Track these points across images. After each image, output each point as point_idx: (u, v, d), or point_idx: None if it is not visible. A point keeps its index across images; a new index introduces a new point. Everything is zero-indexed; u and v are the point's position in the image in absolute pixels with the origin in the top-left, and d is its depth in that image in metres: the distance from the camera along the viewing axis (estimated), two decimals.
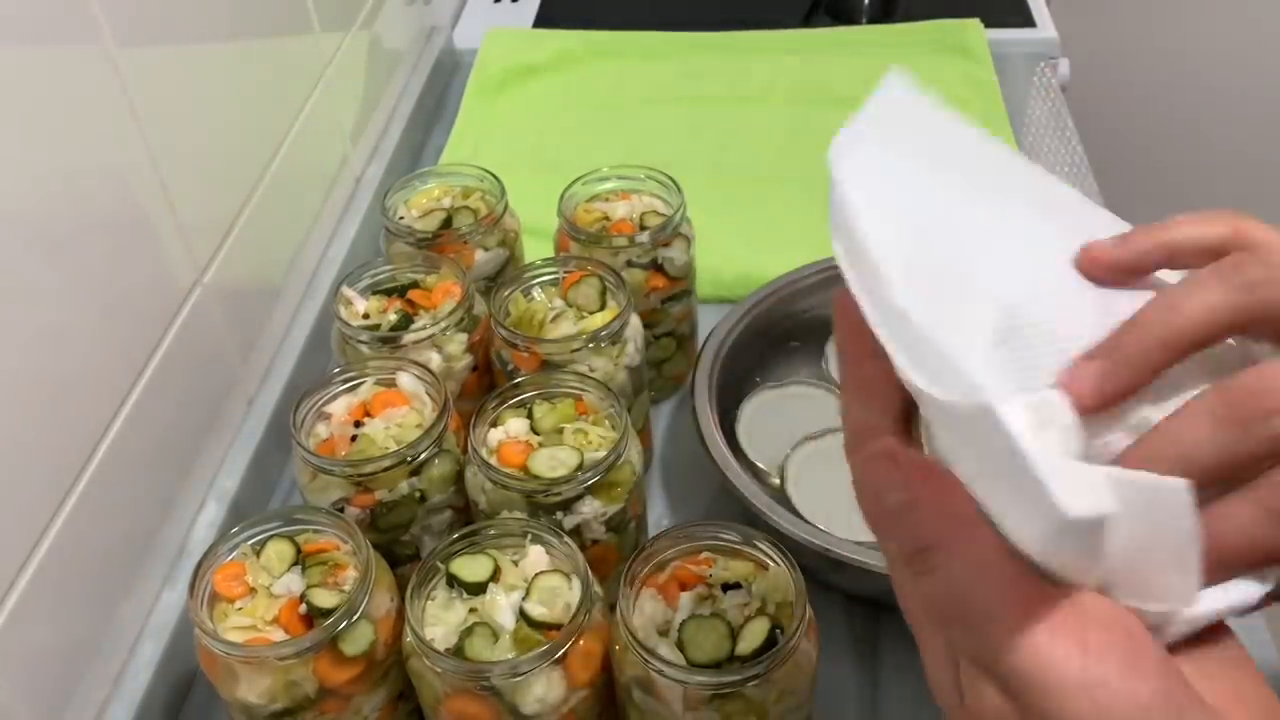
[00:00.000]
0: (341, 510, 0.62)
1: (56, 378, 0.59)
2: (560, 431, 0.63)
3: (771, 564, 0.55)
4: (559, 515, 0.60)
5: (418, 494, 0.63)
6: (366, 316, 0.72)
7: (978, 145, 0.37)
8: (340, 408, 0.65)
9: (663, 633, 0.54)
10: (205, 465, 0.75)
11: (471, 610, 0.55)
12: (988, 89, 1.16)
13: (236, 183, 0.80)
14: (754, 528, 0.57)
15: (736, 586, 0.55)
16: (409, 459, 0.61)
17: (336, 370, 0.66)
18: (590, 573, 0.55)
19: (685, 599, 0.55)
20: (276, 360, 0.85)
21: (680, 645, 0.53)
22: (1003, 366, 0.31)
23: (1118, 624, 0.28)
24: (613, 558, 0.64)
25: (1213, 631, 0.30)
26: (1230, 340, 0.33)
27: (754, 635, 0.52)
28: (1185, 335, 0.31)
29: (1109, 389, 0.31)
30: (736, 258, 0.95)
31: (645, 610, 0.54)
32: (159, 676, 0.66)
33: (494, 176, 0.83)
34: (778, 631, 0.52)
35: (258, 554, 0.58)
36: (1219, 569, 0.29)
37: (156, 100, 0.68)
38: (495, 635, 0.54)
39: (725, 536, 0.56)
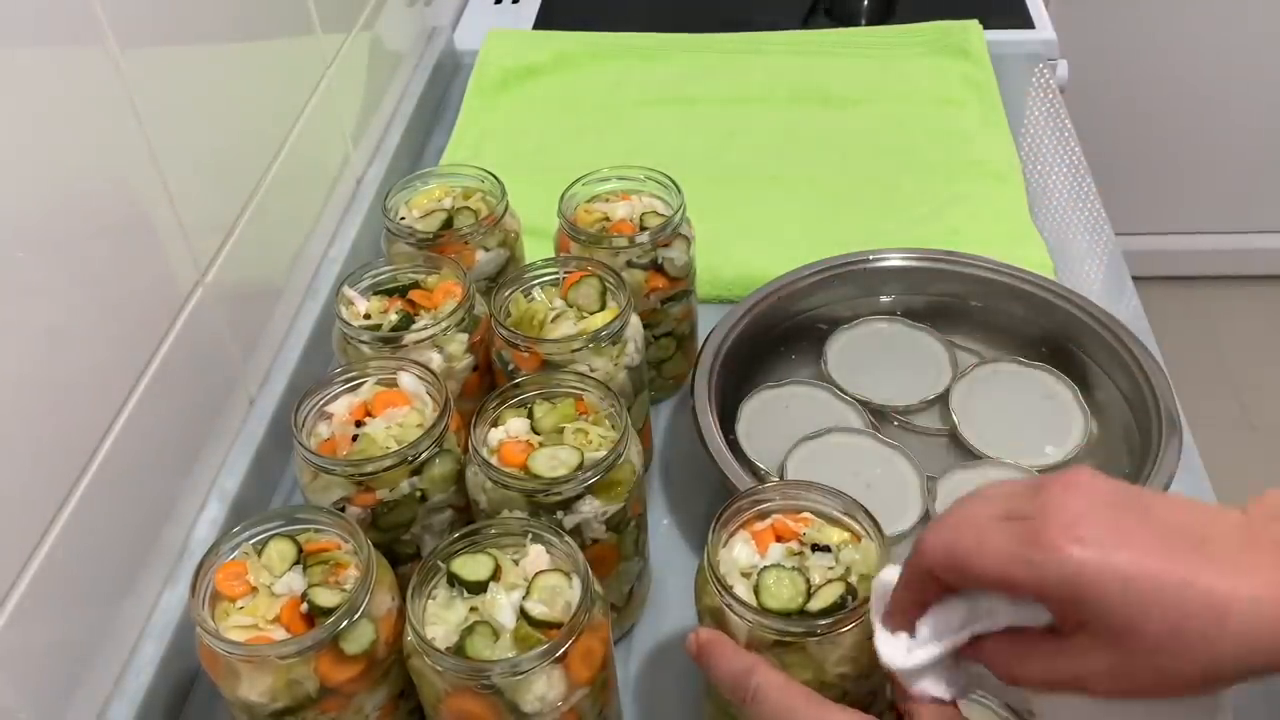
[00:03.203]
0: (343, 509, 0.62)
1: (58, 378, 0.59)
2: (560, 431, 0.63)
3: (866, 538, 0.56)
4: (559, 514, 0.61)
5: (418, 493, 0.63)
6: (368, 316, 0.72)
7: None
8: (341, 407, 0.65)
9: (745, 574, 0.55)
10: (207, 465, 0.75)
11: (472, 609, 0.55)
12: (986, 90, 1.16)
13: (238, 183, 0.80)
14: None
15: (826, 550, 0.56)
16: (410, 458, 0.62)
17: (338, 370, 0.67)
18: (590, 571, 0.55)
19: (775, 549, 0.56)
20: (278, 360, 0.85)
21: (756, 590, 0.54)
22: None
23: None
24: (613, 557, 0.64)
25: None
26: None
27: (828, 595, 0.53)
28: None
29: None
30: (736, 258, 0.95)
31: (734, 549, 0.56)
32: (160, 675, 0.66)
33: (494, 177, 0.83)
34: (849, 598, 0.53)
35: (259, 553, 0.58)
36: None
37: (158, 101, 0.68)
38: (496, 634, 0.54)
39: (830, 502, 0.58)
